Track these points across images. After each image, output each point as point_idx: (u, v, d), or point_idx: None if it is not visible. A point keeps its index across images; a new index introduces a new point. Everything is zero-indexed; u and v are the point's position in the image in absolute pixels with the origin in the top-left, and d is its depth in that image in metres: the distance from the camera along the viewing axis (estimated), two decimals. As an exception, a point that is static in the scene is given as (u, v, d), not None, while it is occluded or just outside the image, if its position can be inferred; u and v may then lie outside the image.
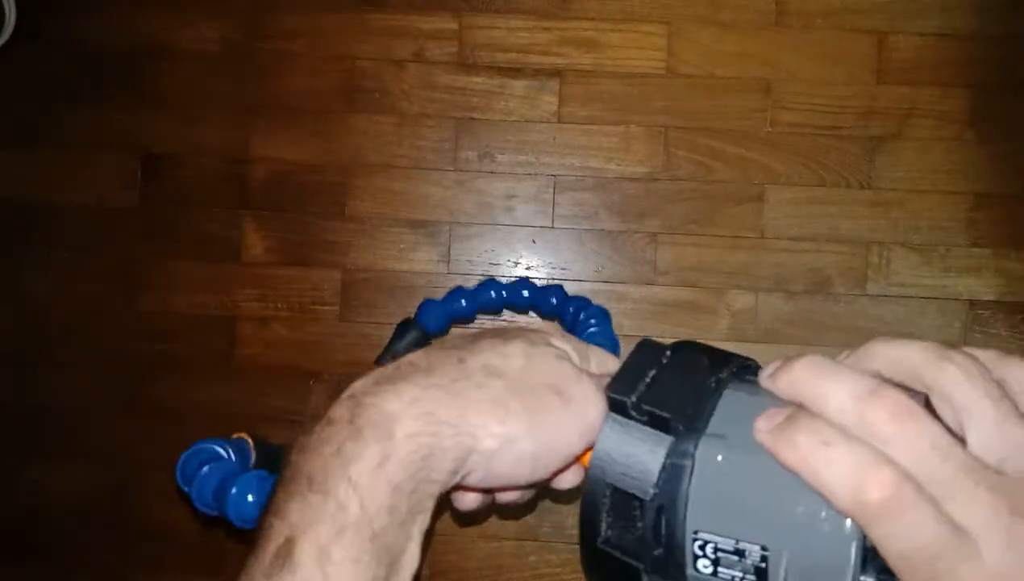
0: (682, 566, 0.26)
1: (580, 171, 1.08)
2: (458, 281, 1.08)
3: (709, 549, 0.25)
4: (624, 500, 0.28)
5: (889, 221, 1.07)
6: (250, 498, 0.65)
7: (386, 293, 1.09)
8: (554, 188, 1.08)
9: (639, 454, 0.27)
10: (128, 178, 1.10)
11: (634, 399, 0.28)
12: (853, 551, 0.23)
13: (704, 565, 0.26)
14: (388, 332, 1.09)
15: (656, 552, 0.27)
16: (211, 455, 0.73)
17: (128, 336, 1.10)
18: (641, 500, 0.27)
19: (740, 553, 0.25)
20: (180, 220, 1.10)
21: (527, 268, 1.08)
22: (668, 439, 0.27)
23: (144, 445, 1.10)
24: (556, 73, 1.08)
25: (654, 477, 0.26)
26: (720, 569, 0.25)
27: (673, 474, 0.26)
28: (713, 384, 0.28)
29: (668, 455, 0.26)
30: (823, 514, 0.23)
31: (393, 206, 1.08)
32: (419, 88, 1.08)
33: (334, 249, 1.09)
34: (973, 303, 1.07)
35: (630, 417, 0.28)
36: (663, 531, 0.26)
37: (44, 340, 1.10)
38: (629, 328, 1.08)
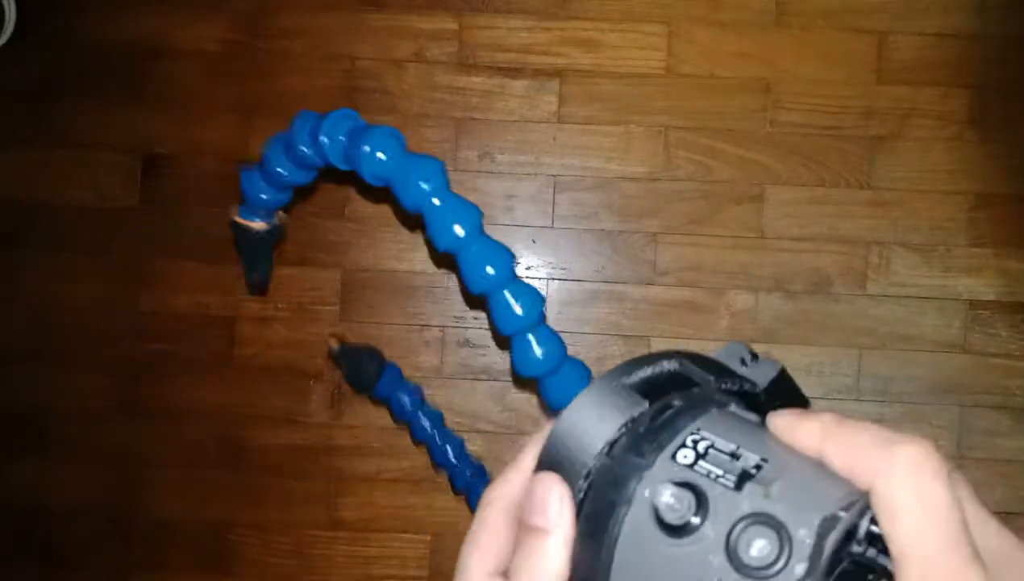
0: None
1: (580, 171, 1.08)
2: (458, 281, 1.08)
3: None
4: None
5: (889, 221, 1.07)
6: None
7: (386, 293, 1.09)
8: (554, 188, 1.08)
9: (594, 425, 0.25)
10: (128, 178, 1.10)
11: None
12: None
13: None
14: (389, 332, 1.09)
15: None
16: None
17: (128, 336, 1.10)
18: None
19: None
20: (180, 220, 1.10)
21: (527, 268, 1.08)
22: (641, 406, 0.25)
23: (144, 445, 1.10)
24: (556, 73, 1.08)
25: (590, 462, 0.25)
26: None
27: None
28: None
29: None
30: None
31: (393, 206, 1.08)
32: (419, 88, 1.08)
33: (334, 249, 1.09)
34: (973, 303, 1.07)
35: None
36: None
37: (44, 340, 1.10)
38: (629, 328, 1.08)
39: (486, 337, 1.08)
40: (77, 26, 1.10)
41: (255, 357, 1.09)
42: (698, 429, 0.24)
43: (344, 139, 0.69)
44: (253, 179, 0.82)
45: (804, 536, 0.21)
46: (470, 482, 0.99)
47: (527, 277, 1.08)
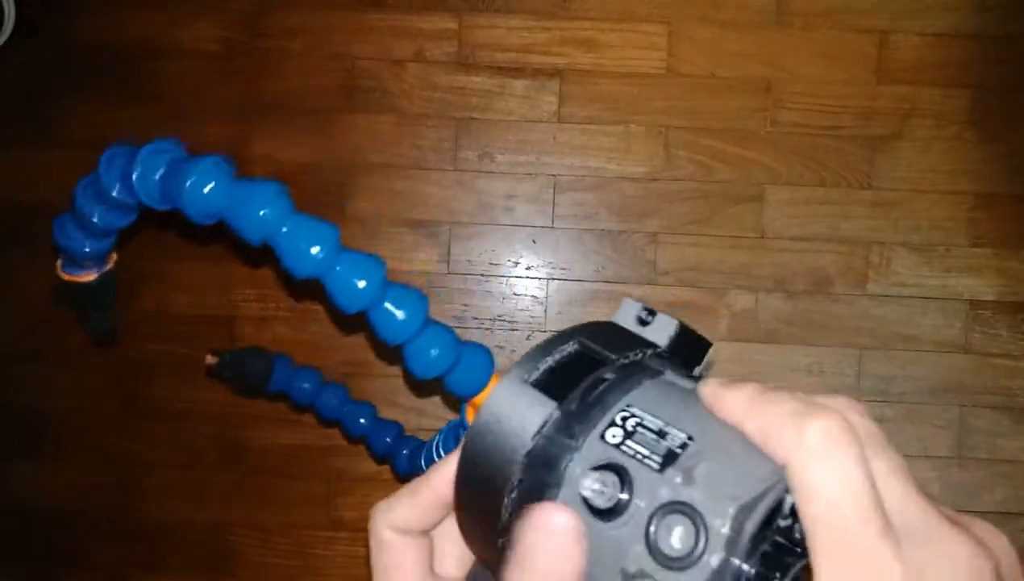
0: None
1: (580, 171, 1.08)
2: (458, 281, 1.08)
3: None
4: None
5: (889, 221, 1.07)
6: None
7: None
8: (554, 188, 1.08)
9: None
10: (128, 178, 1.10)
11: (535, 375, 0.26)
12: None
13: None
14: (388, 332, 1.09)
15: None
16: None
17: (128, 336, 1.10)
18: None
19: None
20: (180, 219, 1.09)
21: (527, 268, 1.08)
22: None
23: (144, 446, 1.10)
24: (556, 73, 1.08)
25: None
26: None
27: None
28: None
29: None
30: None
31: (393, 206, 1.08)
32: (419, 88, 1.08)
33: (334, 249, 1.09)
34: (973, 303, 1.07)
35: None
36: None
37: (44, 340, 1.10)
38: (629, 328, 1.08)
39: (487, 337, 1.08)
40: (77, 26, 1.10)
41: (255, 357, 1.09)
42: (628, 405, 0.24)
43: (162, 173, 0.61)
44: (67, 229, 0.72)
45: (720, 526, 0.21)
46: (391, 447, 0.96)
47: (527, 277, 1.08)
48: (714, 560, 0.21)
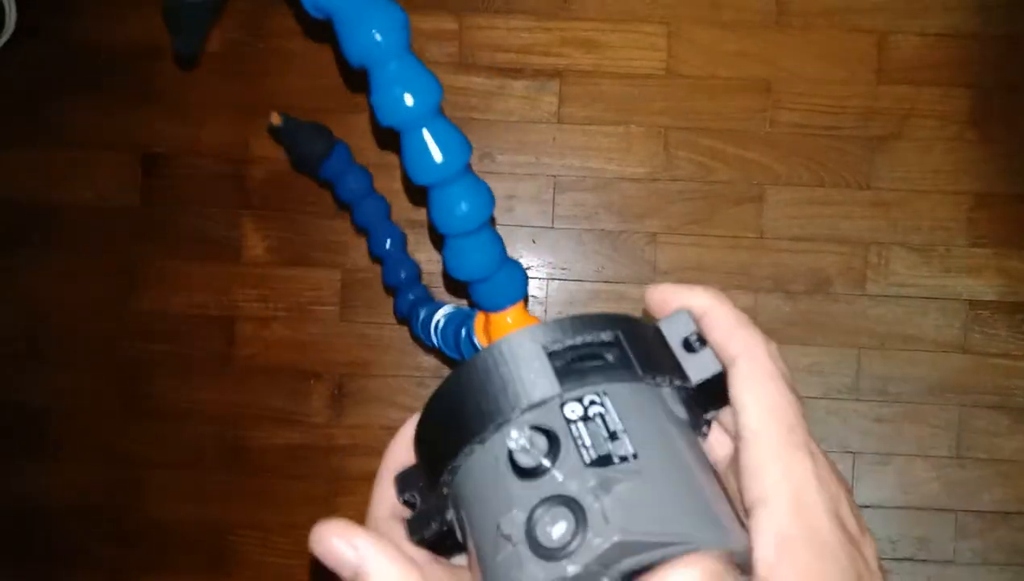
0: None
1: (580, 171, 1.08)
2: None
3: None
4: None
5: (889, 221, 1.07)
6: None
7: (385, 293, 1.09)
8: (554, 188, 1.08)
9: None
10: (128, 177, 1.10)
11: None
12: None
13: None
14: (388, 332, 1.09)
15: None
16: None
17: (127, 336, 1.10)
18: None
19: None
20: (180, 220, 1.10)
21: (527, 268, 1.08)
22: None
23: (144, 446, 1.10)
24: (556, 73, 1.08)
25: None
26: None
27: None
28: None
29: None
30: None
31: (393, 206, 1.08)
32: (419, 88, 1.08)
33: (334, 249, 1.09)
34: (973, 303, 1.07)
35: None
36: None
37: (43, 340, 1.10)
38: (629, 328, 1.08)
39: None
40: (77, 26, 1.10)
41: (255, 357, 1.09)
42: (604, 393, 0.24)
43: None
44: None
45: (597, 545, 0.21)
46: (406, 282, 0.94)
47: (528, 276, 1.08)
48: (571, 569, 0.21)
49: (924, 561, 1.07)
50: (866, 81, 1.07)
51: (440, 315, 0.82)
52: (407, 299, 0.94)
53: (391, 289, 0.98)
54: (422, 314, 0.85)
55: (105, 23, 1.10)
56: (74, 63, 1.10)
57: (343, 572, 0.26)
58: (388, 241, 0.96)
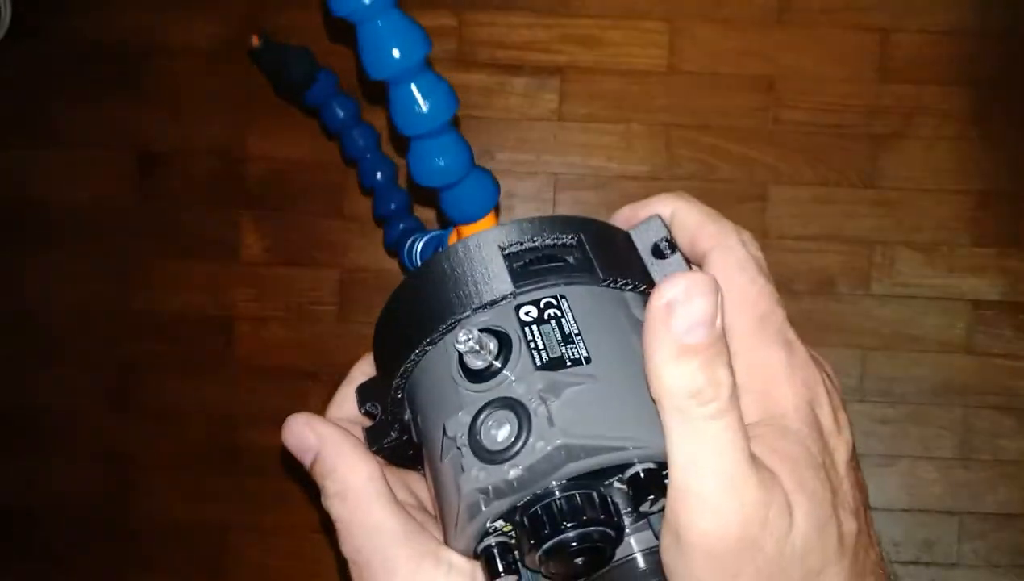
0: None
1: (581, 170, 1.08)
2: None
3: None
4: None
5: (893, 220, 1.06)
6: None
7: (385, 293, 1.07)
8: (554, 187, 1.08)
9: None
10: (125, 176, 1.10)
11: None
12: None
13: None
14: (387, 332, 1.08)
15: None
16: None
17: (125, 336, 1.09)
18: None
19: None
20: (177, 219, 1.09)
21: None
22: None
23: (141, 446, 1.09)
24: (556, 70, 1.07)
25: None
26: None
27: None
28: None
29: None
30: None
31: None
32: (418, 86, 1.07)
33: (332, 249, 1.08)
34: (977, 303, 1.06)
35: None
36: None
37: (41, 339, 1.10)
38: (630, 328, 1.07)
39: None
40: (73, 24, 1.10)
41: (253, 357, 1.09)
42: (561, 296, 0.23)
43: None
44: None
45: (541, 448, 0.20)
46: (395, 212, 0.93)
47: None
48: (512, 472, 0.20)
49: (928, 564, 1.06)
50: (869, 79, 1.06)
51: (419, 245, 0.80)
52: (396, 228, 0.92)
53: (381, 220, 0.95)
54: (408, 244, 0.84)
55: (102, 21, 1.10)
56: (71, 63, 1.10)
57: (305, 457, 0.27)
58: (379, 173, 0.93)
